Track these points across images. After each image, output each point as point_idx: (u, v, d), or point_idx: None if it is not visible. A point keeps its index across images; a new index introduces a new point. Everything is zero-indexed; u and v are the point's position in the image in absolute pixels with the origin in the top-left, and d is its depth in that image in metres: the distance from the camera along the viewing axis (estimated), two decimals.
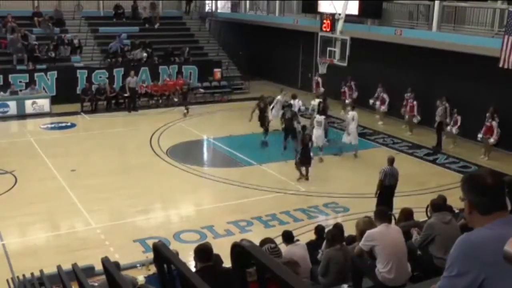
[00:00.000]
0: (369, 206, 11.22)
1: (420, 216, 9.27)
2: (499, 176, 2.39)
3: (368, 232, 6.52)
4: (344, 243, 7.30)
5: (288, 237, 7.55)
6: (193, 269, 4.98)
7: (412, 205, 9.48)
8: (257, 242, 5.66)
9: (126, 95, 23.15)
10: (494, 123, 16.40)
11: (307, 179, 14.99)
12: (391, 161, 11.95)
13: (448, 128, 17.89)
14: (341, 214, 12.93)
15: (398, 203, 11.39)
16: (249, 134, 19.39)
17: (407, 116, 19.81)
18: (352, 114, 17.23)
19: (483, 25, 17.64)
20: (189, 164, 16.36)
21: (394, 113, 21.01)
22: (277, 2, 26.81)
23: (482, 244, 2.19)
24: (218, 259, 6.29)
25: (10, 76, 22.76)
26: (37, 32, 25.13)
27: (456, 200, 8.40)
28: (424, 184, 14.51)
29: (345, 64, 18.18)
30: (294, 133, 17.13)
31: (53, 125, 21.08)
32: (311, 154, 15.23)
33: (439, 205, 7.38)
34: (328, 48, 18.65)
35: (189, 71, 26.16)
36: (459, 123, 17.66)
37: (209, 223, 12.23)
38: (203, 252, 5.17)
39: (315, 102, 19.04)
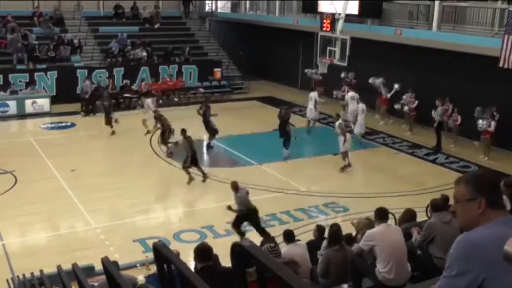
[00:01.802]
0: (369, 206, 11.18)
1: (420, 216, 9.25)
2: (498, 176, 2.40)
3: (368, 232, 6.52)
4: (344, 243, 7.28)
5: (289, 237, 7.55)
6: (193, 269, 4.98)
7: (412, 205, 9.48)
8: (257, 242, 5.66)
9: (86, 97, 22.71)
10: (493, 123, 16.38)
11: (192, 179, 14.74)
12: (235, 186, 11.26)
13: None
14: (341, 214, 12.91)
15: (398, 203, 11.39)
16: (249, 134, 19.38)
17: (406, 110, 19.79)
18: (361, 106, 18.61)
19: (483, 25, 17.63)
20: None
21: (394, 113, 20.98)
22: (277, 2, 26.80)
23: (482, 243, 2.19)
24: (216, 259, 6.28)
25: (10, 75, 22.76)
26: (37, 32, 25.13)
27: None
28: (424, 184, 14.48)
29: (345, 64, 18.19)
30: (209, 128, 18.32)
31: (53, 125, 21.07)
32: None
33: (439, 205, 7.38)
34: (328, 48, 18.65)
35: (189, 71, 26.18)
36: (459, 122, 17.67)
37: (209, 223, 12.22)
38: (203, 252, 5.17)
39: (313, 94, 19.96)
